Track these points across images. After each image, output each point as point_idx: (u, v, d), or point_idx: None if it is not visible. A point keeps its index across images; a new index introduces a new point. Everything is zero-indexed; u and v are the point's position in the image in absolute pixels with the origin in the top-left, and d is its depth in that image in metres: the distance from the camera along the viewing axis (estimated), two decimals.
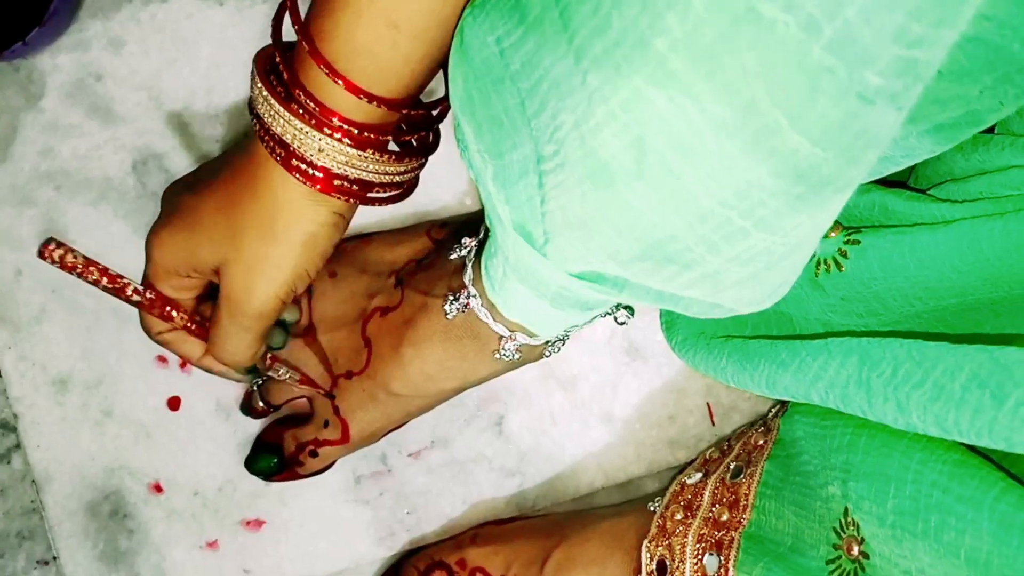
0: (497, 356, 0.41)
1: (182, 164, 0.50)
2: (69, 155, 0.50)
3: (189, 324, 0.41)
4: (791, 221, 0.27)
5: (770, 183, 0.25)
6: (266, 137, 0.34)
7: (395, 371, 0.43)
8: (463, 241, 0.42)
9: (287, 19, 0.35)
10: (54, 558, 0.50)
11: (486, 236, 0.41)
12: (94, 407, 0.50)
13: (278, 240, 0.36)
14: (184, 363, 0.50)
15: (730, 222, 0.26)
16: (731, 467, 0.43)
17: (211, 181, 0.38)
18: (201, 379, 0.49)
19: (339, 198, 0.35)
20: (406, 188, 0.38)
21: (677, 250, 0.28)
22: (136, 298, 0.40)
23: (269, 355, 0.44)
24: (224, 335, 0.39)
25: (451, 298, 0.41)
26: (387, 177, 0.36)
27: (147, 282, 0.40)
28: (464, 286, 0.41)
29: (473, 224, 0.45)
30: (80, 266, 0.37)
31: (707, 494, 0.42)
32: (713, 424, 0.48)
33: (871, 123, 0.24)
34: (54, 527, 0.50)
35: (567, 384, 0.48)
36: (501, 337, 0.40)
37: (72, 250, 0.37)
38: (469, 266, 0.41)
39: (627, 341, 0.48)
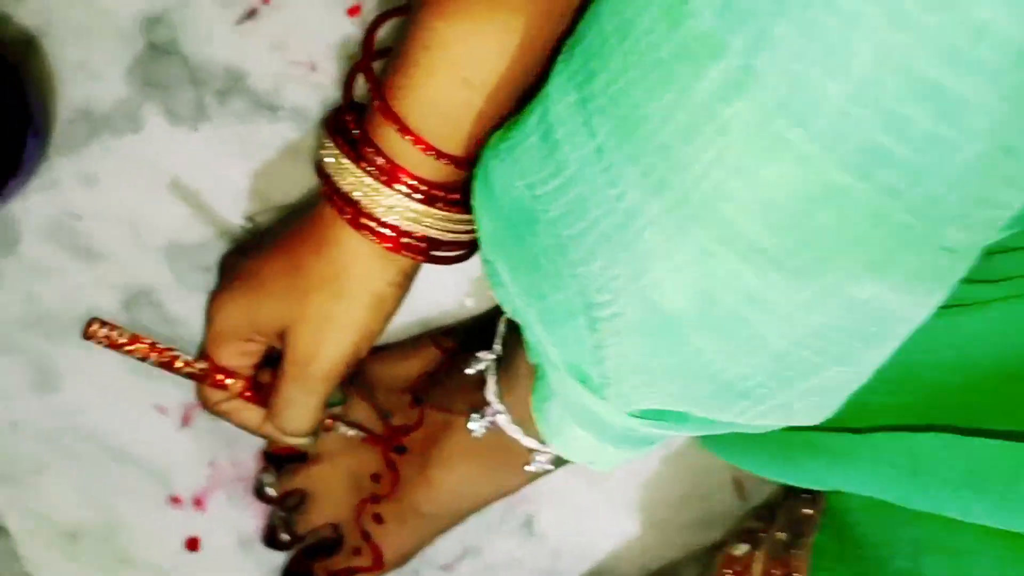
0: (530, 469, 0.41)
1: (174, 297, 0.48)
2: (54, 298, 0.48)
3: (247, 392, 0.40)
4: (867, 356, 0.27)
5: (846, 324, 0.25)
6: (334, 196, 0.34)
7: (424, 493, 0.43)
8: (478, 356, 0.42)
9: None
10: None
11: (505, 348, 0.41)
12: (110, 557, 0.48)
13: (344, 299, 0.35)
14: (200, 500, 0.48)
15: (805, 360, 0.26)
16: (779, 539, 0.42)
17: (273, 244, 0.38)
18: (219, 515, 0.48)
19: (407, 255, 0.35)
20: (470, 247, 0.38)
21: (748, 387, 0.27)
22: (187, 370, 0.39)
23: (328, 415, 0.43)
24: (287, 401, 0.38)
25: (475, 416, 0.40)
26: (453, 235, 0.36)
27: (203, 352, 0.40)
28: (487, 402, 0.40)
29: (480, 331, 0.44)
30: (127, 342, 0.38)
31: (757, 567, 0.42)
32: (744, 500, 0.48)
33: (951, 267, 0.24)
34: None
35: (593, 476, 0.48)
36: (533, 450, 0.40)
37: (117, 327, 0.38)
38: (491, 380, 0.40)
39: None
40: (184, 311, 0.48)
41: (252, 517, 0.48)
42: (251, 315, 0.37)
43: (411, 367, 0.45)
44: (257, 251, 0.38)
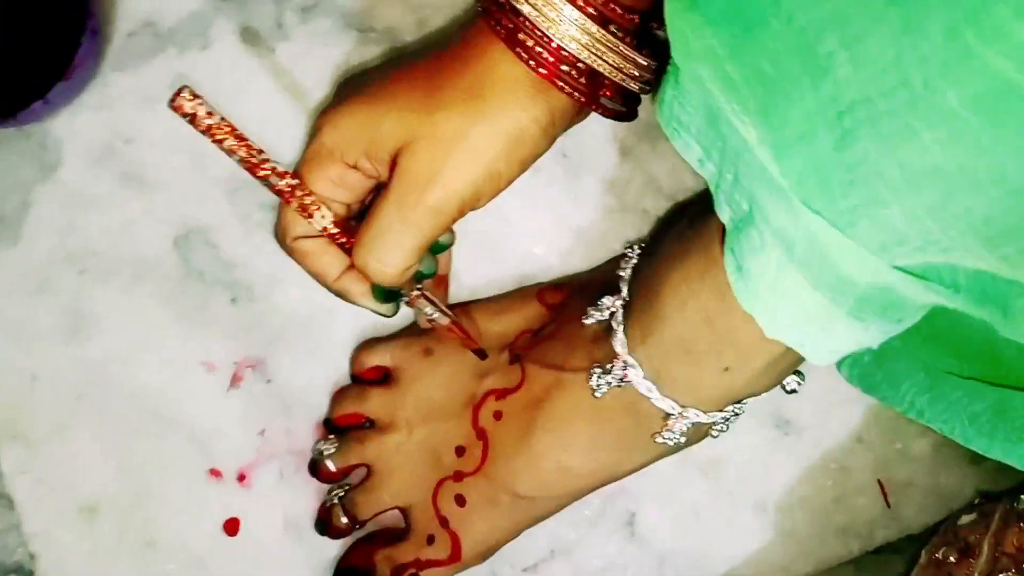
0: (659, 440, 0.34)
1: (232, 237, 0.42)
2: (96, 232, 0.42)
3: (336, 228, 0.34)
4: None
5: None
6: (492, 8, 0.29)
7: (524, 467, 0.35)
8: (602, 302, 0.35)
9: None
10: None
11: (633, 292, 0.34)
12: (133, 536, 0.41)
13: (481, 122, 0.30)
14: (244, 475, 0.41)
15: None
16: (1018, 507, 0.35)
17: (411, 60, 0.32)
18: (265, 493, 0.41)
19: (563, 89, 0.30)
20: (632, 107, 0.32)
21: None
22: (275, 179, 0.33)
23: (417, 287, 0.36)
24: (383, 230, 0.31)
25: (599, 371, 0.34)
26: (621, 77, 0.30)
27: (296, 171, 0.34)
28: (615, 355, 0.33)
29: (598, 283, 0.38)
30: (216, 124, 0.32)
31: (987, 539, 0.34)
32: (888, 506, 0.41)
33: None
34: None
35: (708, 468, 0.41)
36: (668, 416, 0.33)
37: (209, 106, 0.32)
38: (619, 330, 0.33)
39: (775, 413, 0.41)
40: (243, 253, 0.42)
41: (303, 498, 0.41)
42: (369, 129, 0.31)
43: (509, 323, 0.39)
44: (389, 65, 0.32)
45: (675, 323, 0.32)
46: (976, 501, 0.40)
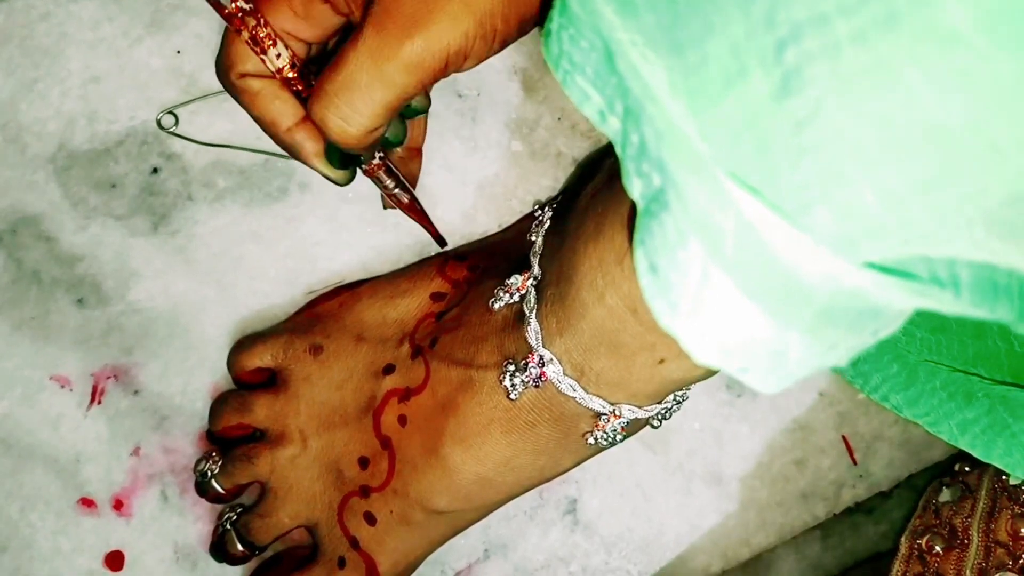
0: (591, 440, 0.29)
1: (68, 226, 0.35)
2: None
3: (291, 69, 0.28)
4: None
5: None
6: None
7: (437, 481, 0.30)
8: (510, 282, 0.29)
9: None
10: None
11: (546, 267, 0.28)
12: None
13: None
14: (121, 502, 0.35)
15: None
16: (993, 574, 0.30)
17: None
18: (148, 520, 0.35)
19: None
20: None
21: None
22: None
23: (380, 155, 0.31)
24: (349, 80, 0.26)
25: (512, 368, 0.28)
26: None
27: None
28: (530, 349, 0.27)
29: (508, 251, 0.32)
30: None
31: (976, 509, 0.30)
32: (855, 463, 0.36)
33: None
34: None
35: (654, 443, 0.36)
36: (599, 415, 0.28)
37: None
38: (532, 317, 0.27)
39: (725, 375, 0.36)
40: (84, 244, 0.35)
41: (194, 521, 0.35)
42: None
43: (409, 306, 0.32)
44: None
45: (594, 313, 0.26)
46: (956, 467, 0.36)
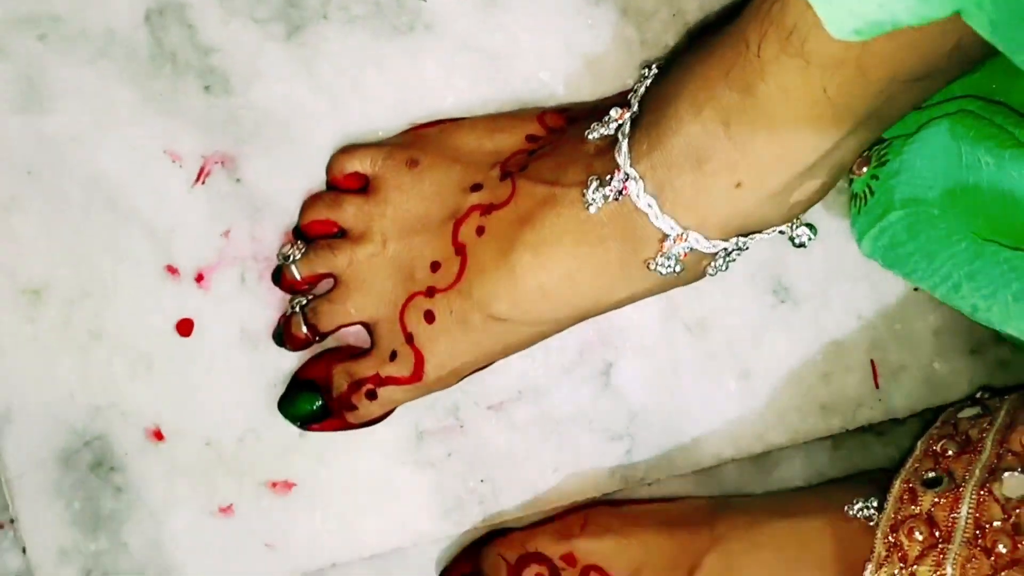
0: (652, 267, 0.31)
1: (211, 19, 0.38)
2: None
3: None
4: None
5: None
6: None
7: (501, 286, 0.33)
8: (609, 114, 0.32)
9: None
10: (11, 520, 0.39)
11: (644, 106, 0.31)
12: (79, 326, 0.38)
13: None
14: (202, 276, 0.38)
15: None
16: (1002, 477, 0.32)
17: None
18: (223, 297, 0.38)
19: None
20: None
21: None
22: None
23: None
24: None
25: (596, 183, 0.31)
26: None
27: None
28: (616, 167, 0.30)
29: (605, 110, 0.35)
30: None
31: (963, 510, 0.32)
32: (877, 387, 0.38)
33: None
34: (13, 480, 0.38)
35: (695, 328, 0.38)
36: (665, 237, 0.30)
37: None
38: (624, 142, 0.30)
39: (774, 280, 0.38)
40: (222, 39, 0.38)
41: (263, 307, 0.38)
42: None
43: (504, 140, 0.35)
44: None
45: (688, 129, 0.28)
46: (978, 395, 0.38)
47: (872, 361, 0.38)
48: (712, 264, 0.32)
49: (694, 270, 0.32)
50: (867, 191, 0.35)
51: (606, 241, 0.31)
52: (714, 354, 0.38)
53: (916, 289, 0.38)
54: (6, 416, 0.38)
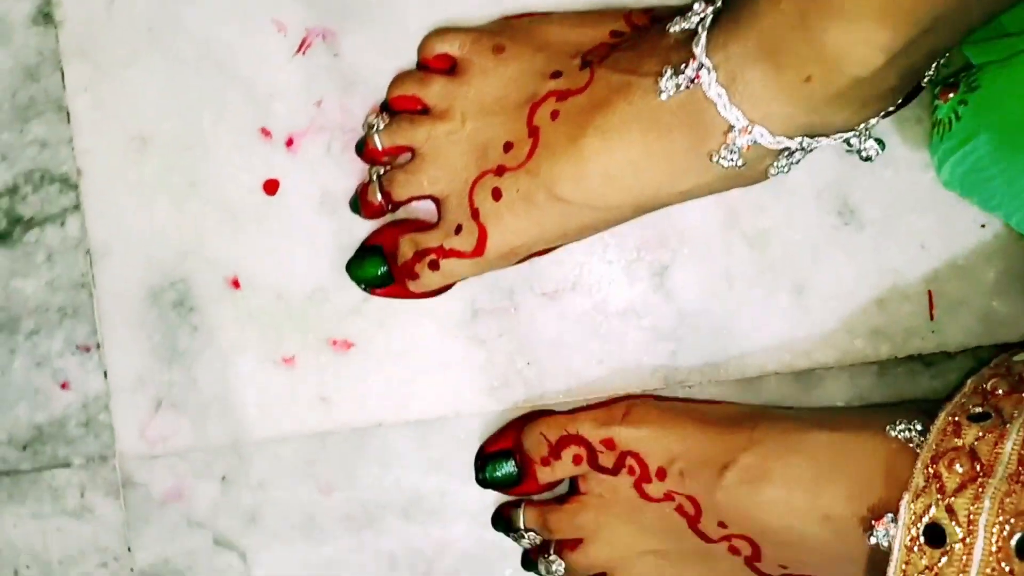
0: (715, 159, 0.32)
1: None
2: None
3: None
4: None
5: None
6: None
7: (568, 167, 0.34)
8: (693, 8, 0.33)
9: None
10: (97, 345, 0.42)
11: (726, 3, 0.32)
12: (177, 175, 0.41)
13: None
14: (292, 140, 0.41)
15: None
16: None
17: None
18: (309, 162, 0.41)
19: None
20: None
21: None
22: None
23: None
24: None
25: (670, 72, 0.32)
26: None
27: None
28: (692, 56, 0.31)
29: (691, 6, 0.35)
30: None
31: (1008, 445, 0.31)
32: (932, 318, 0.38)
33: None
34: (104, 309, 0.42)
35: (755, 239, 0.39)
36: (730, 129, 0.31)
37: None
38: (703, 34, 0.31)
39: (841, 200, 0.39)
40: None
41: (345, 176, 0.41)
42: None
43: (587, 33, 0.37)
44: None
45: (764, 20, 0.29)
46: None
47: (930, 292, 0.38)
48: (774, 164, 0.33)
49: (755, 169, 0.33)
50: (953, 116, 0.35)
51: (673, 131, 0.32)
52: (770, 267, 0.39)
53: (983, 226, 0.38)
54: (105, 250, 0.42)
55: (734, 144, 0.31)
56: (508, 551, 0.41)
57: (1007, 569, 0.31)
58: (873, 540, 0.31)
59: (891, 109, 0.32)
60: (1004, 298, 0.38)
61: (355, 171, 0.41)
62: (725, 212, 0.39)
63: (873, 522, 0.31)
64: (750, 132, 0.31)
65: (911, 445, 0.33)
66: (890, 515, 0.31)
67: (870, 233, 0.38)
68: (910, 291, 0.38)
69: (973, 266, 0.38)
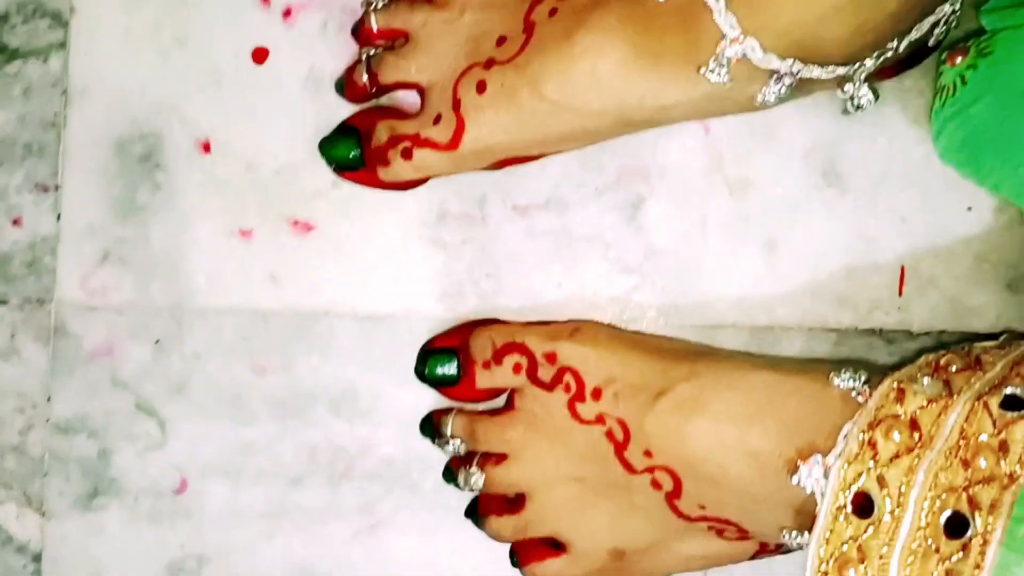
0: (703, 71, 0.31)
1: None
2: None
3: None
4: None
5: None
6: None
7: (556, 64, 0.33)
8: None
9: None
10: (56, 187, 0.41)
11: None
12: (168, 29, 0.41)
13: None
14: (289, 13, 0.40)
15: None
16: (1004, 391, 0.30)
17: None
18: (302, 36, 0.40)
19: None
20: None
21: None
22: None
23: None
24: None
25: None
26: None
27: None
28: None
29: None
30: None
31: (951, 417, 0.30)
32: (900, 294, 0.37)
33: None
34: (69, 151, 0.41)
35: (736, 187, 0.38)
36: (722, 38, 0.30)
37: None
38: None
39: (829, 162, 0.38)
40: None
41: (335, 58, 0.40)
42: None
43: None
44: None
45: None
46: (1001, 337, 0.36)
47: (902, 267, 0.37)
48: (761, 90, 0.32)
49: (742, 92, 0.32)
50: (959, 81, 0.34)
51: (665, 36, 0.31)
52: (747, 217, 0.38)
53: (970, 209, 0.37)
54: (82, 91, 0.41)
55: (723, 56, 0.31)
56: (432, 462, 0.40)
57: (933, 547, 0.30)
58: (795, 480, 0.30)
59: (889, 56, 0.31)
60: (978, 286, 0.37)
61: (347, 54, 0.40)
62: (711, 155, 0.38)
63: (799, 462, 0.30)
64: (741, 43, 0.30)
65: (853, 394, 0.32)
66: (817, 455, 0.30)
67: (852, 199, 0.38)
68: (883, 263, 0.37)
69: (951, 248, 0.37)
